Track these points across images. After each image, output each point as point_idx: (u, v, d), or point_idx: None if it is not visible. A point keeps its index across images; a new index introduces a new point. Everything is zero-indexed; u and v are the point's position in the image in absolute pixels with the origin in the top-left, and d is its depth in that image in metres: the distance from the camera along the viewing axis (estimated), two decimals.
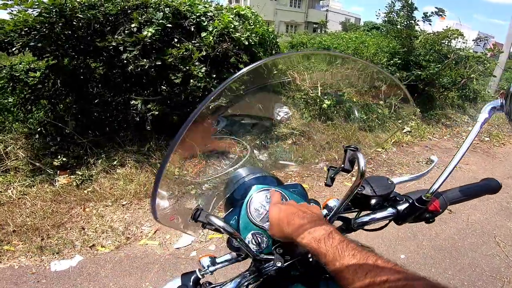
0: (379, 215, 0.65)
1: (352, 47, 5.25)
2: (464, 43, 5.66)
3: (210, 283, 0.59)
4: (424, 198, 0.60)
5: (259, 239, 0.58)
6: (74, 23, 2.55)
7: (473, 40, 6.02)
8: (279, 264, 0.54)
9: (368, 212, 0.67)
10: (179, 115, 3.05)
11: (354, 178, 0.62)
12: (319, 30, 25.79)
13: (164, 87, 2.96)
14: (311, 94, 4.06)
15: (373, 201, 0.64)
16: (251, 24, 3.46)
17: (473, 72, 5.69)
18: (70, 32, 2.57)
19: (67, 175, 2.61)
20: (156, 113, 2.85)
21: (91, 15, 2.60)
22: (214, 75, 3.10)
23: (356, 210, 0.68)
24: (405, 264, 2.17)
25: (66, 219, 2.14)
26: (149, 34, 2.69)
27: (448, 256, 2.28)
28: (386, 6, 5.71)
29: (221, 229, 0.52)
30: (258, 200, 0.63)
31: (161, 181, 0.52)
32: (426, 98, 5.67)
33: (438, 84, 5.58)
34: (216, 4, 3.65)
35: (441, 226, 2.62)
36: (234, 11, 3.51)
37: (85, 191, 2.46)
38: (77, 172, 2.63)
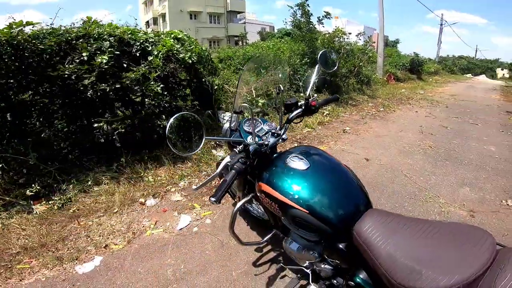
0: (295, 112, 1.50)
1: (272, 54, 6.24)
2: (347, 38, 7.32)
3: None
4: (309, 100, 1.48)
5: (252, 125, 1.35)
6: (26, 54, 2.67)
7: (356, 35, 7.75)
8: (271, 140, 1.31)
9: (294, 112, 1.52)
10: (142, 131, 3.34)
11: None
12: (240, 42, 27.32)
13: (124, 108, 3.23)
14: (247, 98, 4.82)
15: (294, 107, 1.51)
16: (189, 45, 3.99)
17: (361, 61, 7.41)
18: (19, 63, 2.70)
19: (44, 202, 2.65)
20: (123, 130, 3.09)
21: (36, 47, 2.75)
22: (165, 92, 3.51)
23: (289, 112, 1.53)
24: None
25: (66, 234, 2.27)
26: (104, 61, 2.97)
27: (376, 189, 3.08)
28: (290, 16, 7.01)
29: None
30: (247, 123, 1.47)
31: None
32: (335, 86, 7.08)
33: (340, 74, 7.06)
34: (152, 31, 4.08)
35: (365, 170, 3.56)
36: (172, 35, 3.99)
37: (70, 211, 2.57)
38: (53, 198, 2.69)
